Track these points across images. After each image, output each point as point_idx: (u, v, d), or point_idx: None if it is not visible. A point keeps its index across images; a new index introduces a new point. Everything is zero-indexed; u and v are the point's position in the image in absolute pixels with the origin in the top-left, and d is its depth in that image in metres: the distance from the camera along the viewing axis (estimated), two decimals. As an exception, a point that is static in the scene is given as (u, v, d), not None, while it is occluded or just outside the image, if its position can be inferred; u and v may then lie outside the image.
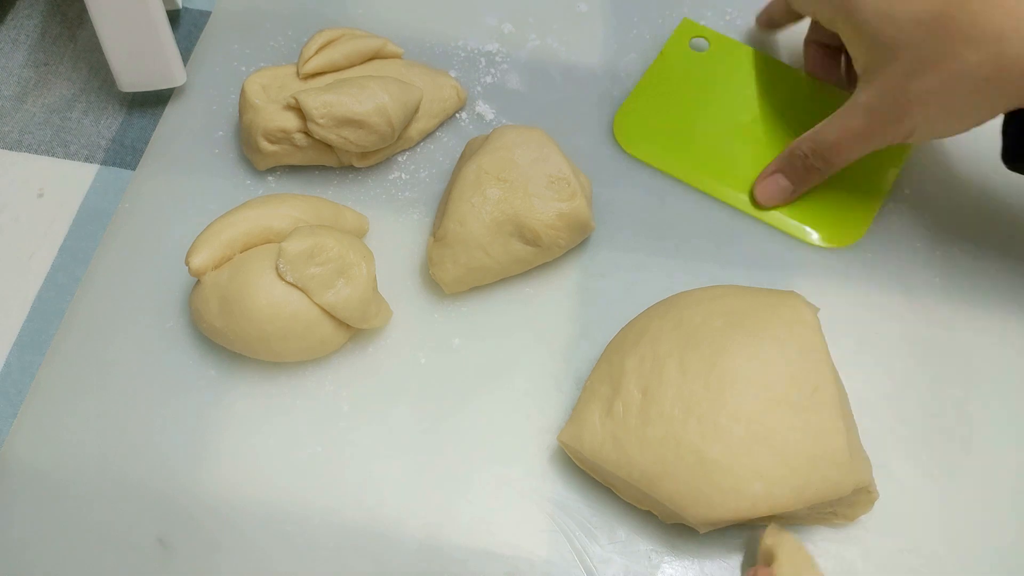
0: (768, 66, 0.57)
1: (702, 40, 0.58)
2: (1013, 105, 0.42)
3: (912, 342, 0.49)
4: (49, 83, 0.58)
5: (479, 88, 0.57)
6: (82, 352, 0.48)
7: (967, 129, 0.45)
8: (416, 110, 0.52)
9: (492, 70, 0.58)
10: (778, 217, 0.52)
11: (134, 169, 0.54)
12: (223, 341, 0.45)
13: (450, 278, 0.47)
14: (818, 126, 0.49)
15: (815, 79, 0.56)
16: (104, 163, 0.55)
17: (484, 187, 0.47)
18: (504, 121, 0.56)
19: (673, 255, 0.51)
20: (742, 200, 0.53)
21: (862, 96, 0.46)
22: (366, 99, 0.49)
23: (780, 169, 0.51)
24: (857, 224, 0.52)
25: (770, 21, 0.57)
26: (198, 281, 0.45)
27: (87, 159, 0.55)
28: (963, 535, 0.44)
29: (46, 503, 0.44)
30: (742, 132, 0.55)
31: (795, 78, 0.56)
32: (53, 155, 0.55)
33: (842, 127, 0.47)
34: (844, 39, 0.47)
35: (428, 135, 0.55)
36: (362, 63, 0.54)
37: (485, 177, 0.47)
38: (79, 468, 0.45)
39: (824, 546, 0.43)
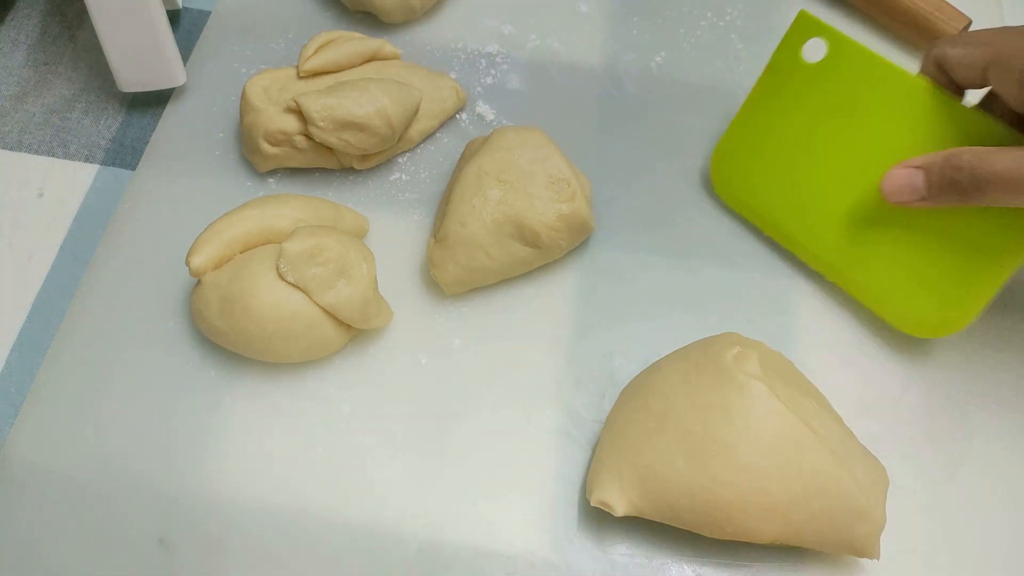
0: (899, 80, 0.44)
1: (820, 43, 0.46)
2: None
3: (912, 342, 0.49)
4: (49, 83, 0.58)
5: (479, 89, 0.57)
6: (82, 352, 0.48)
7: None
8: (416, 112, 0.52)
9: (492, 71, 0.58)
10: (869, 292, 0.46)
11: (134, 169, 0.54)
12: (224, 342, 0.45)
13: (451, 279, 0.47)
14: (989, 148, 0.41)
15: (952, 98, 0.43)
16: (104, 163, 0.55)
17: (484, 188, 0.47)
18: (504, 122, 0.56)
19: (673, 255, 0.51)
20: (837, 272, 0.47)
21: None
22: (366, 102, 0.49)
23: (925, 167, 0.43)
24: (961, 312, 0.44)
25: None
26: (199, 281, 0.45)
27: (87, 159, 0.55)
28: (963, 535, 0.44)
29: (47, 503, 0.44)
30: (862, 179, 0.45)
31: (948, 106, 0.43)
32: (53, 155, 0.55)
33: (1018, 163, 0.39)
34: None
35: (428, 136, 0.55)
36: (361, 64, 0.54)
37: (485, 178, 0.47)
38: (79, 468, 0.45)
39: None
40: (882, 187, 0.44)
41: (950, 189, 0.42)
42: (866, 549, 0.39)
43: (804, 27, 0.46)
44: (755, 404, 0.38)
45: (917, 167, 0.43)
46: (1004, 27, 0.42)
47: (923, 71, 0.45)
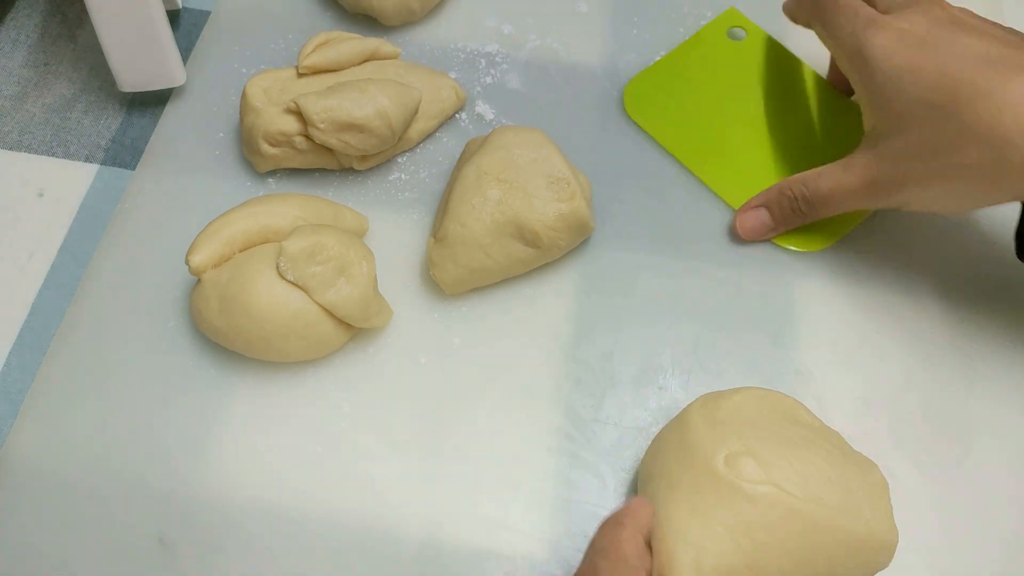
0: (797, 70, 0.57)
1: (740, 31, 0.59)
2: (1011, 199, 0.42)
3: (912, 342, 0.49)
4: (49, 83, 0.58)
5: (479, 88, 0.57)
6: (82, 352, 0.48)
7: (963, 211, 0.44)
8: (415, 112, 0.52)
9: (492, 71, 0.58)
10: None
11: (134, 169, 0.54)
12: (223, 341, 0.45)
13: (450, 279, 0.47)
14: (814, 171, 0.48)
15: (842, 95, 0.55)
16: (104, 163, 0.55)
17: (484, 188, 0.47)
18: (504, 121, 0.56)
19: (673, 255, 0.51)
20: (737, 198, 0.53)
21: (863, 158, 0.45)
22: (366, 103, 0.49)
23: (766, 204, 0.50)
24: (832, 232, 0.51)
25: (792, 16, 0.54)
26: (198, 280, 0.45)
27: (87, 159, 0.55)
28: (963, 535, 0.44)
29: (47, 503, 0.44)
30: (753, 129, 0.55)
31: (822, 88, 0.56)
32: (53, 155, 0.55)
33: (837, 182, 0.47)
34: (856, 90, 0.47)
35: (428, 136, 0.55)
36: (361, 62, 0.54)
37: (485, 178, 0.47)
38: (79, 468, 0.45)
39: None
40: (737, 229, 0.51)
41: (793, 216, 0.50)
42: (883, 564, 0.39)
43: (730, 18, 0.59)
44: (769, 511, 0.37)
45: (759, 206, 0.51)
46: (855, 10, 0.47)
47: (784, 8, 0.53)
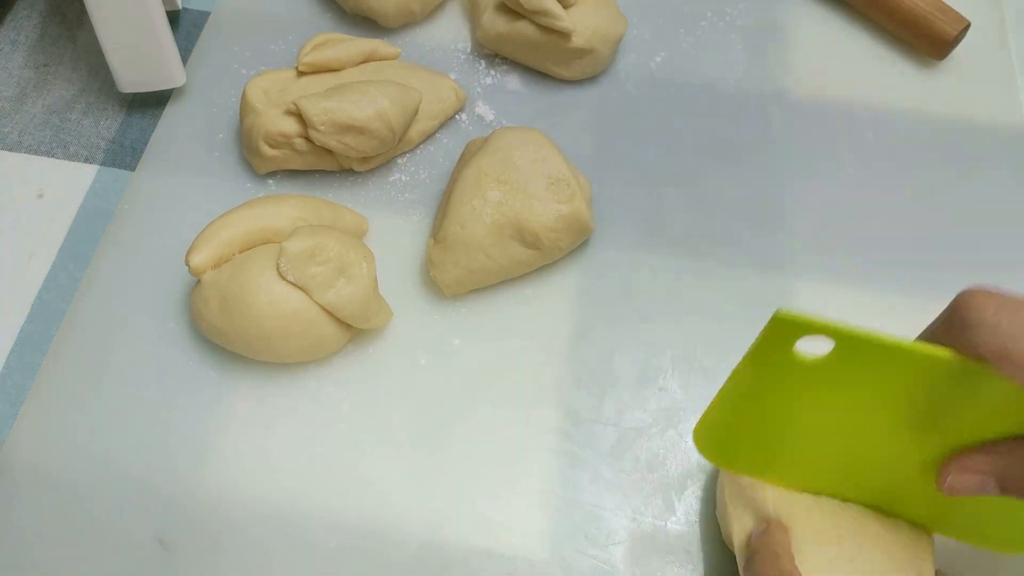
0: (925, 370, 0.33)
1: (814, 343, 0.33)
2: None
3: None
4: (49, 84, 0.58)
5: (479, 89, 0.57)
6: (82, 352, 0.48)
7: None
8: (416, 113, 0.52)
9: (492, 71, 0.58)
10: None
11: (134, 170, 0.54)
12: (223, 341, 0.45)
13: (450, 280, 0.47)
14: None
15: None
16: (104, 164, 0.55)
17: (484, 189, 0.47)
18: (504, 122, 0.56)
19: (673, 255, 0.51)
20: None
21: None
22: (366, 105, 0.49)
23: (997, 474, 0.35)
24: None
25: None
26: (198, 281, 0.45)
27: (87, 160, 0.55)
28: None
29: (46, 503, 0.44)
30: (877, 458, 0.37)
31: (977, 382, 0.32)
32: (53, 156, 0.55)
33: None
34: None
35: (428, 136, 0.55)
36: (360, 61, 0.54)
37: (485, 179, 0.47)
38: (79, 468, 0.45)
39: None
40: (943, 481, 0.36)
41: None
42: None
43: (789, 328, 0.32)
44: None
45: (980, 471, 0.36)
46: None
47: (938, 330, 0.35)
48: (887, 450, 0.36)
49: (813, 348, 0.33)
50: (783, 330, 0.32)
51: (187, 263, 0.45)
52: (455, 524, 0.43)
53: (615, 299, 0.50)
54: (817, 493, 0.39)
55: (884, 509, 0.39)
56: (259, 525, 0.43)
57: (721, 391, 0.37)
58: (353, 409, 0.46)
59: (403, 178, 0.54)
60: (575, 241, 0.49)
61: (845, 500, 0.39)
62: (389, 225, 0.52)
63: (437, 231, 0.48)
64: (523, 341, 0.48)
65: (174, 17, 0.61)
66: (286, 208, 0.47)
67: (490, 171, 0.47)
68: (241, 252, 0.46)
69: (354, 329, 0.47)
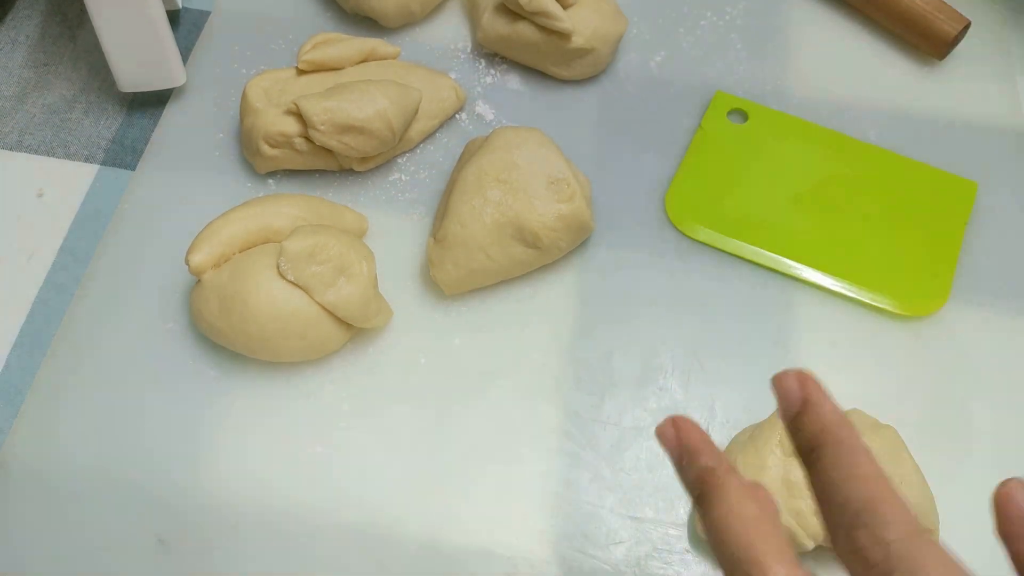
0: (812, 133, 0.55)
1: (737, 115, 0.56)
2: None
3: (912, 342, 0.49)
4: (49, 83, 0.58)
5: (479, 88, 0.57)
6: (82, 352, 0.48)
7: None
8: (416, 112, 0.52)
9: (492, 71, 0.58)
10: (846, 286, 0.50)
11: (134, 169, 0.54)
12: (223, 341, 0.45)
13: (451, 280, 0.47)
14: None
15: (858, 141, 0.55)
16: (104, 163, 0.55)
17: (484, 189, 0.47)
18: (504, 122, 0.56)
19: (673, 255, 0.51)
20: (804, 272, 0.51)
21: None
22: (366, 105, 0.49)
23: None
24: (936, 289, 0.50)
25: None
26: (198, 280, 0.45)
27: (87, 159, 0.55)
28: (963, 536, 0.44)
29: (46, 503, 0.44)
30: (800, 202, 0.53)
31: (839, 143, 0.55)
32: (53, 155, 0.55)
33: None
34: None
35: (428, 136, 0.55)
36: (360, 60, 0.54)
37: (485, 178, 0.47)
38: (79, 468, 0.45)
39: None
40: (1001, 504, 0.33)
41: None
42: None
43: (724, 102, 0.56)
44: None
45: None
46: None
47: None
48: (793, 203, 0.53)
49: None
50: (719, 103, 0.56)
51: (187, 262, 0.45)
52: (455, 524, 0.43)
53: (615, 299, 0.50)
54: (759, 258, 0.51)
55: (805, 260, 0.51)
56: (259, 525, 0.43)
57: (682, 162, 0.54)
58: (353, 409, 0.46)
59: (403, 178, 0.54)
60: (575, 240, 0.49)
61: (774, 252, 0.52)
62: (389, 225, 0.52)
63: (437, 231, 0.48)
64: (523, 341, 0.48)
65: (174, 17, 0.60)
66: (286, 207, 0.47)
67: (490, 170, 0.47)
68: (241, 252, 0.46)
69: (354, 329, 0.47)
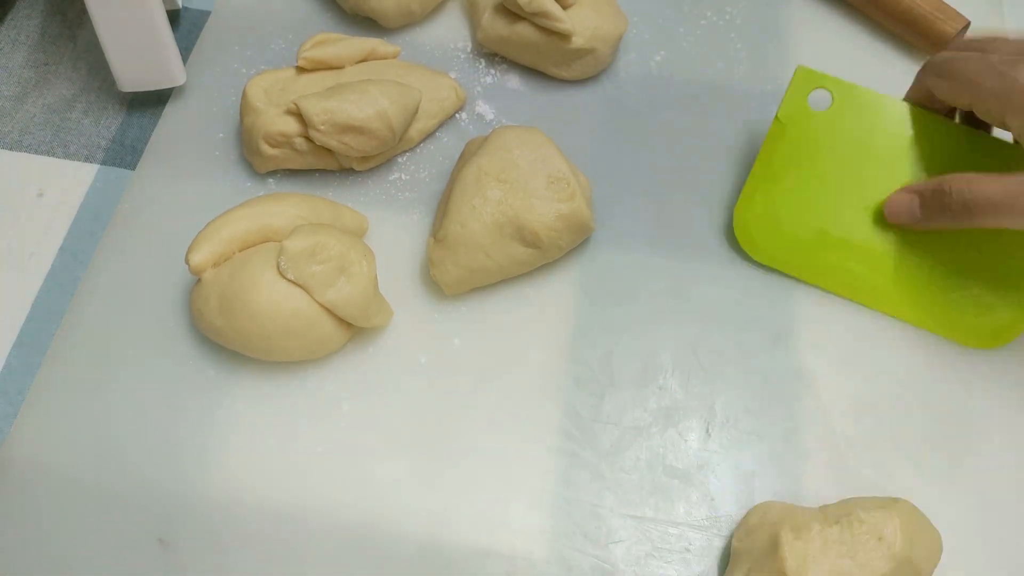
0: (912, 118, 0.48)
1: (823, 93, 0.49)
2: None
3: (912, 341, 0.49)
4: (49, 83, 0.58)
5: (479, 88, 0.57)
6: (82, 352, 0.48)
7: None
8: (415, 112, 0.52)
9: (492, 70, 0.58)
10: (929, 320, 0.48)
11: (134, 169, 0.54)
12: (223, 340, 0.45)
13: (451, 279, 0.47)
14: (981, 174, 0.43)
15: (972, 130, 0.48)
16: (104, 163, 0.55)
17: (484, 188, 0.47)
18: (504, 121, 0.56)
19: (673, 255, 0.51)
20: (895, 305, 0.48)
21: None
22: (366, 105, 0.49)
23: (919, 192, 0.46)
24: (1012, 322, 0.47)
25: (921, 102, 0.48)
26: (198, 280, 0.45)
27: (87, 159, 0.55)
28: (964, 535, 0.44)
29: (46, 503, 0.44)
30: (877, 204, 0.48)
31: (945, 130, 0.48)
32: (53, 155, 0.55)
33: (1008, 190, 0.42)
34: (1017, 135, 0.43)
35: (428, 135, 0.55)
36: (360, 59, 0.54)
37: (485, 178, 0.47)
38: (79, 468, 0.45)
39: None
40: (884, 208, 0.47)
41: (941, 213, 0.45)
42: None
43: (806, 80, 0.49)
44: None
45: (912, 192, 0.47)
46: (984, 58, 0.44)
47: (912, 95, 0.48)
48: (878, 215, 0.48)
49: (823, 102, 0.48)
50: (801, 81, 0.48)
51: (187, 262, 0.45)
52: (455, 524, 0.43)
53: (615, 299, 0.50)
54: (825, 283, 0.48)
55: (874, 302, 0.48)
56: (259, 525, 0.43)
57: (755, 165, 0.49)
58: (353, 408, 0.46)
59: (403, 177, 0.54)
60: (575, 240, 0.49)
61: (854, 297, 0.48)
62: (389, 224, 0.52)
63: (437, 230, 0.48)
64: (523, 340, 0.48)
65: (174, 16, 0.61)
66: (286, 207, 0.47)
67: (490, 170, 0.47)
68: (241, 251, 0.46)
69: (354, 328, 0.47)
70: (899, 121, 0.48)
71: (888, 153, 0.48)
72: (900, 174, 0.48)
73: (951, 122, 0.48)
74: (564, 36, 0.54)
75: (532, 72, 0.58)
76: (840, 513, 0.40)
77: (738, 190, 0.53)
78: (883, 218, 0.48)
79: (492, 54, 0.58)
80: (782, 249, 0.49)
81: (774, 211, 0.49)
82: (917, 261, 0.48)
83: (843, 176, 0.48)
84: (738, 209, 0.50)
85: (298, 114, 0.49)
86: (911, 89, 0.49)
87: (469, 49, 0.59)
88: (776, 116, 0.49)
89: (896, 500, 0.41)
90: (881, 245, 0.48)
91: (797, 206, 0.49)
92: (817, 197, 0.49)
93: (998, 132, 0.47)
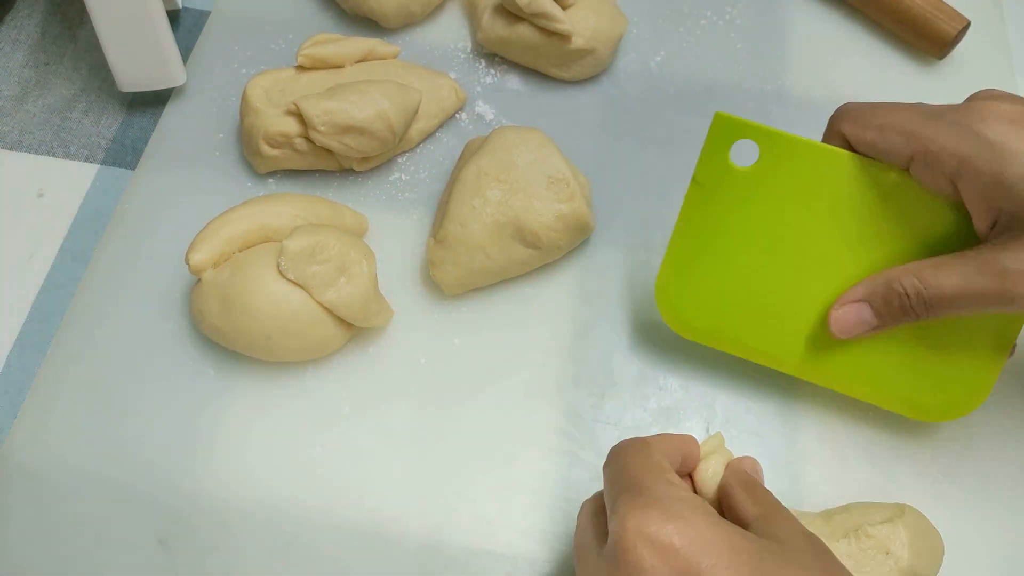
0: (850, 165, 0.41)
1: (749, 145, 0.41)
2: None
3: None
4: (49, 83, 0.58)
5: (479, 88, 0.57)
6: (82, 352, 0.48)
7: None
8: (416, 112, 0.52)
9: (492, 70, 0.58)
10: (869, 392, 0.44)
11: (134, 169, 0.54)
12: (224, 341, 0.45)
13: (451, 280, 0.47)
14: (931, 265, 0.39)
15: (911, 179, 0.40)
16: (104, 163, 0.55)
17: (484, 189, 0.47)
18: (504, 121, 0.56)
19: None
20: (840, 382, 0.44)
21: (998, 256, 0.37)
22: (366, 105, 0.49)
23: (868, 299, 0.41)
24: (973, 392, 0.42)
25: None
26: (198, 280, 0.45)
27: (87, 159, 0.55)
28: (964, 536, 0.44)
29: (46, 503, 0.44)
30: (817, 269, 0.42)
31: (890, 178, 0.40)
32: (53, 155, 0.55)
33: (967, 282, 0.38)
34: (966, 186, 0.38)
35: (428, 136, 0.55)
36: (360, 58, 0.54)
37: (485, 179, 0.47)
38: (79, 468, 0.45)
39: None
40: (831, 327, 0.42)
41: (903, 315, 0.40)
42: None
43: (727, 130, 0.41)
44: None
45: (860, 300, 0.41)
46: (920, 108, 0.39)
47: (826, 141, 0.42)
48: (818, 280, 0.42)
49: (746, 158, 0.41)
50: (721, 130, 0.41)
51: (187, 261, 0.45)
52: (455, 524, 0.43)
53: (615, 299, 0.50)
54: (762, 359, 0.44)
55: (818, 377, 0.44)
56: (259, 525, 0.43)
57: (674, 232, 0.43)
58: (353, 408, 0.46)
59: (403, 177, 0.54)
60: (575, 240, 0.49)
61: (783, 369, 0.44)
62: (389, 224, 0.52)
63: (437, 230, 0.48)
64: (523, 340, 0.48)
65: (174, 16, 0.61)
66: (286, 207, 0.47)
67: (490, 170, 0.47)
68: (241, 251, 0.46)
69: (354, 329, 0.47)
70: (837, 170, 0.40)
71: (827, 208, 0.41)
72: (842, 230, 0.41)
73: (896, 169, 0.40)
74: (564, 37, 0.54)
75: (532, 72, 0.58)
76: (847, 525, 0.40)
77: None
78: (822, 285, 0.42)
79: (492, 54, 0.58)
80: (712, 324, 0.44)
81: (699, 283, 0.43)
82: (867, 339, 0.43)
83: (775, 238, 0.42)
84: (659, 283, 0.44)
85: (298, 114, 0.49)
86: (824, 135, 0.42)
87: (469, 49, 0.59)
88: (693, 178, 0.42)
89: (902, 509, 0.40)
90: (821, 314, 0.43)
91: (724, 276, 0.43)
92: (747, 264, 0.43)
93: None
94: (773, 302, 0.43)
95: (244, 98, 0.51)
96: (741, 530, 0.32)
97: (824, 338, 0.43)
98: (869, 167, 0.40)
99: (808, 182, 0.41)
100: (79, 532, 0.43)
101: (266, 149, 0.51)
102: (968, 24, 0.57)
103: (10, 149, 0.55)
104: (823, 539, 0.39)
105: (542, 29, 0.54)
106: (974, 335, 0.41)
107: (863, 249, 0.41)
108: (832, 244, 0.42)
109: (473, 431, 0.46)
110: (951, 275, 0.38)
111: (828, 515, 0.41)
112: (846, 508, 0.42)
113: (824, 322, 0.42)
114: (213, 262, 0.45)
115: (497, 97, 0.57)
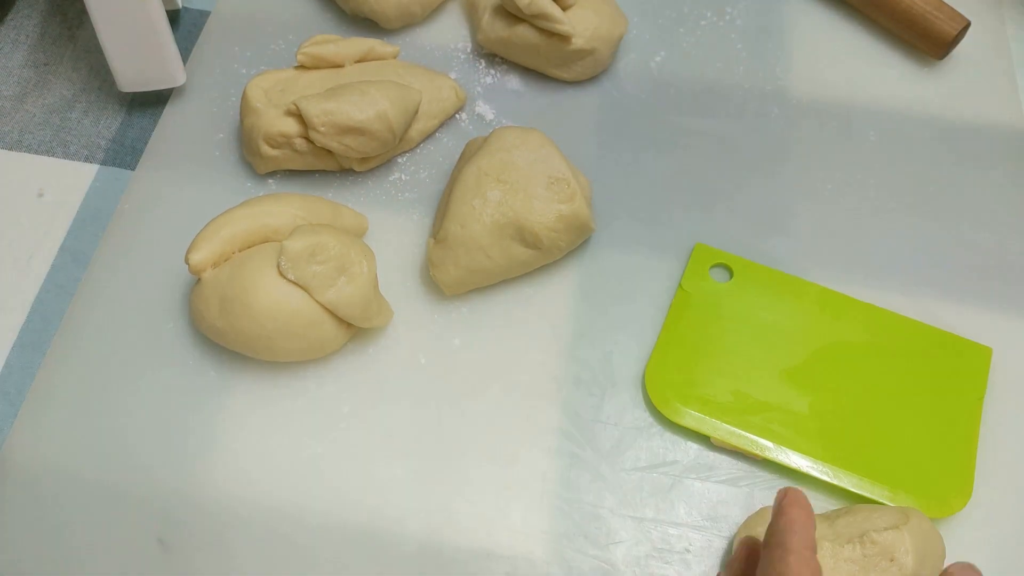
0: (804, 292, 0.49)
1: (722, 271, 0.50)
2: None
3: (911, 342, 0.49)
4: (49, 83, 0.58)
5: (479, 88, 0.57)
6: (82, 352, 0.48)
7: None
8: (415, 113, 0.52)
9: (492, 71, 0.58)
10: (859, 485, 0.44)
11: (134, 169, 0.54)
12: (223, 341, 0.45)
13: (451, 280, 0.47)
14: None
15: (855, 301, 0.48)
16: (104, 163, 0.55)
17: (484, 189, 0.47)
18: (504, 122, 0.56)
19: (673, 256, 0.51)
20: (804, 463, 0.45)
21: None
22: (366, 106, 0.49)
23: None
24: (959, 485, 0.44)
25: None
26: (198, 280, 0.45)
27: (87, 159, 0.55)
28: (965, 536, 0.44)
29: (46, 503, 0.44)
30: (794, 377, 0.47)
31: (836, 303, 0.49)
32: (53, 155, 0.55)
33: None
34: None
35: (428, 136, 0.55)
36: (360, 57, 0.54)
37: (485, 179, 0.47)
38: (79, 468, 0.45)
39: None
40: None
41: None
42: None
43: (706, 255, 0.50)
44: None
45: None
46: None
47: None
48: (792, 380, 0.47)
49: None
50: (701, 255, 0.50)
51: (187, 261, 0.45)
52: (455, 524, 0.43)
53: (615, 299, 0.50)
54: (742, 444, 0.45)
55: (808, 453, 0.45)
56: (259, 525, 0.43)
57: (663, 328, 0.48)
58: (353, 409, 0.46)
59: (403, 177, 0.54)
60: (575, 241, 0.49)
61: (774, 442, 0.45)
62: (389, 224, 0.52)
63: (437, 231, 0.48)
64: (523, 341, 0.48)
65: (174, 17, 0.61)
66: (286, 207, 0.47)
67: (490, 171, 0.47)
68: (241, 251, 0.46)
69: (354, 329, 0.47)
70: (796, 296, 0.49)
71: (789, 325, 0.48)
72: (803, 346, 0.47)
73: (845, 296, 0.49)
74: (564, 37, 0.54)
75: (532, 73, 0.58)
76: (852, 530, 0.40)
77: (741, 191, 0.53)
78: (801, 383, 0.46)
79: (492, 55, 0.58)
80: (700, 412, 0.46)
81: (687, 374, 0.47)
82: (843, 425, 0.45)
83: (752, 343, 0.48)
84: (649, 372, 0.47)
85: (298, 115, 0.49)
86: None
87: (469, 50, 0.59)
88: (680, 285, 0.49)
89: (907, 514, 0.40)
90: (802, 409, 0.46)
91: (710, 369, 0.47)
92: (730, 361, 0.47)
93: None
94: (756, 394, 0.46)
95: (244, 98, 0.51)
96: None
97: (807, 430, 0.45)
98: (830, 297, 0.49)
99: (773, 301, 0.49)
100: (79, 532, 0.43)
101: (266, 149, 0.51)
102: (968, 24, 0.57)
103: (10, 149, 0.55)
104: (827, 543, 0.39)
105: (542, 30, 0.54)
106: (956, 431, 0.45)
107: (827, 359, 0.47)
108: (796, 351, 0.47)
109: (473, 431, 0.46)
110: None
111: (832, 517, 0.41)
112: (850, 510, 0.41)
113: (805, 416, 0.46)
114: (213, 262, 0.45)
115: (497, 97, 0.57)
